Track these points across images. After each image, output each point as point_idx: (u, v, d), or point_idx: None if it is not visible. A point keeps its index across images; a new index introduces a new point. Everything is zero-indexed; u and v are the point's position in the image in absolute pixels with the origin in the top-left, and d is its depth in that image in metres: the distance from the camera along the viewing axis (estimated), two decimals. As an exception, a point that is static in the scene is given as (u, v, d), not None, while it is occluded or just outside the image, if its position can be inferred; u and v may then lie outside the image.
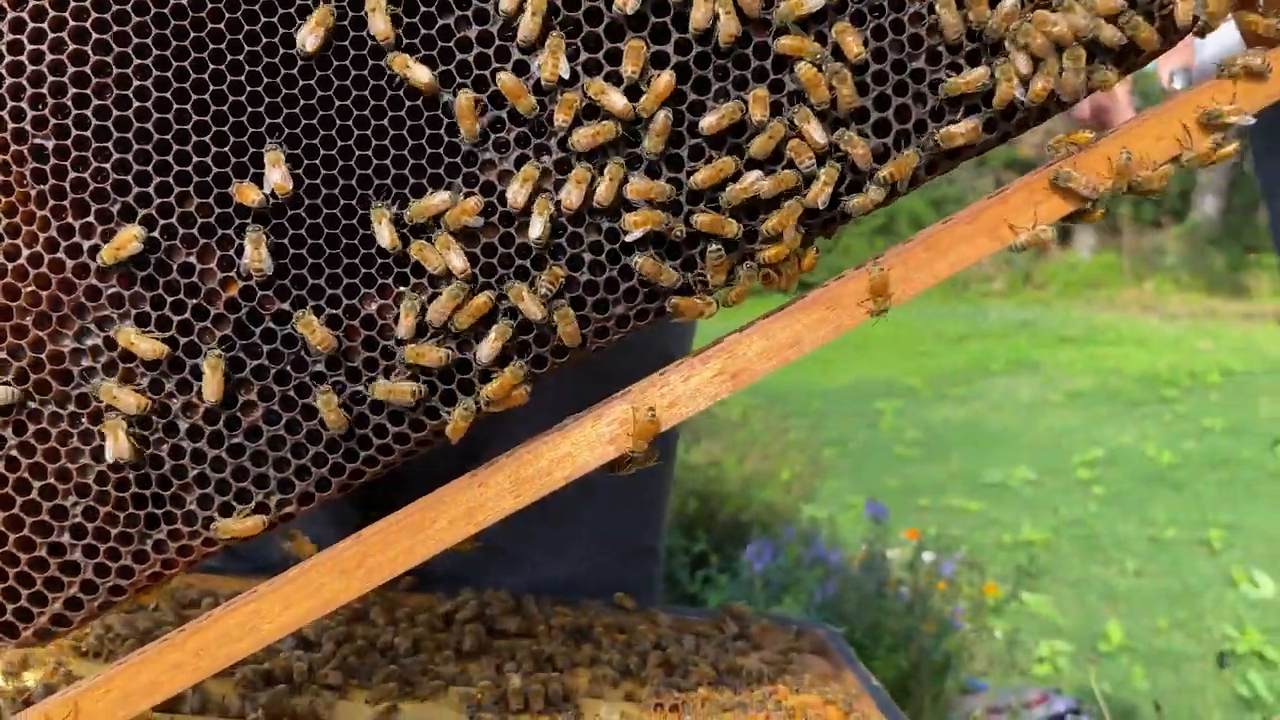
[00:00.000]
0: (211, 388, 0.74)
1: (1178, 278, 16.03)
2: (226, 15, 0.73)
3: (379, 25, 0.73)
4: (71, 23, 0.71)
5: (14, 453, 0.75)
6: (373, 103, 0.75)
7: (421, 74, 0.73)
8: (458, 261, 0.75)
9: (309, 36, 0.72)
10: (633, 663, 1.16)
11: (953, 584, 3.69)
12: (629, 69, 0.74)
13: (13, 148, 0.72)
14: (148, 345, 0.74)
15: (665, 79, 0.73)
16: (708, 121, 0.75)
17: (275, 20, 0.74)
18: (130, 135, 0.73)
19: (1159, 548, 7.31)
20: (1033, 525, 7.66)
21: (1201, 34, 0.77)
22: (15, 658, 1.02)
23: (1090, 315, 14.31)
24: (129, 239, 0.73)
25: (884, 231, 14.03)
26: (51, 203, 0.72)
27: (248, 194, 0.73)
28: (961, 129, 0.75)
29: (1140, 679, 5.40)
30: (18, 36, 0.71)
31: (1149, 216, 18.36)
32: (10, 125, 0.71)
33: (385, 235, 0.74)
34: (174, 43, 0.73)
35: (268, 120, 0.74)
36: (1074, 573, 6.94)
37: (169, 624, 1.09)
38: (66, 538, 0.76)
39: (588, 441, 0.77)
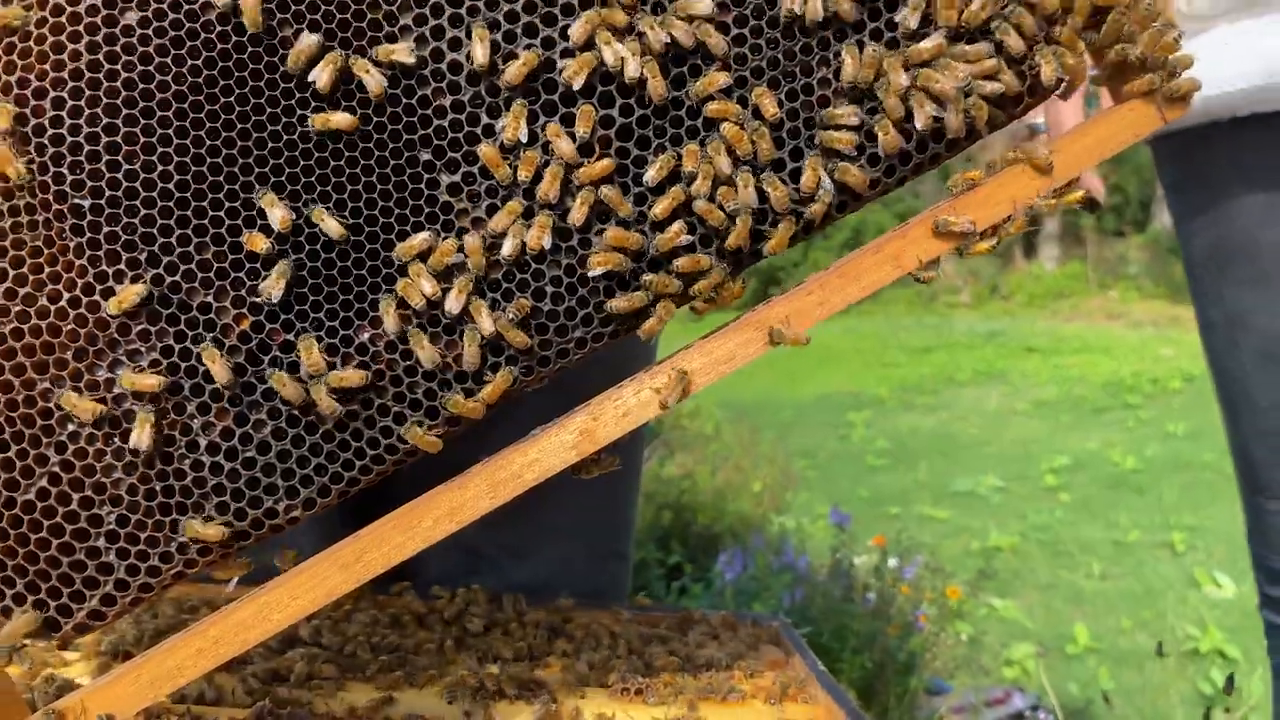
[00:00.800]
0: (218, 372, 0.86)
1: (1141, 286, 16.36)
2: (236, 91, 0.86)
3: (373, 84, 0.86)
4: (105, 100, 0.84)
5: (56, 469, 0.87)
6: (362, 161, 0.88)
7: (342, 119, 0.86)
8: (428, 287, 0.88)
9: (321, 73, 0.85)
10: (602, 653, 1.29)
11: (917, 588, 3.83)
12: (581, 130, 0.87)
13: (54, 207, 0.84)
14: (152, 380, 0.86)
15: (602, 164, 0.86)
16: (650, 174, 0.89)
17: (278, 94, 0.87)
18: (154, 194, 0.86)
19: (1123, 551, 7.47)
20: (1000, 531, 7.80)
21: (1064, 95, 0.91)
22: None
23: (1056, 325, 14.61)
24: (132, 293, 0.85)
25: (851, 245, 14.27)
26: (88, 253, 0.84)
27: (257, 242, 0.86)
28: (855, 170, 0.89)
29: (1105, 678, 5.54)
30: (59, 112, 0.83)
31: (1112, 226, 18.72)
32: (53, 188, 0.84)
33: (332, 227, 0.86)
34: (191, 114, 0.86)
35: (272, 179, 0.87)
36: (1042, 577, 7.09)
37: (173, 629, 1.21)
38: (102, 542, 0.88)
39: (553, 448, 0.90)
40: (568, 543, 1.57)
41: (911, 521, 8.04)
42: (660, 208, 0.89)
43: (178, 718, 1.02)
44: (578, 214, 0.87)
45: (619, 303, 0.90)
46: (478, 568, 1.48)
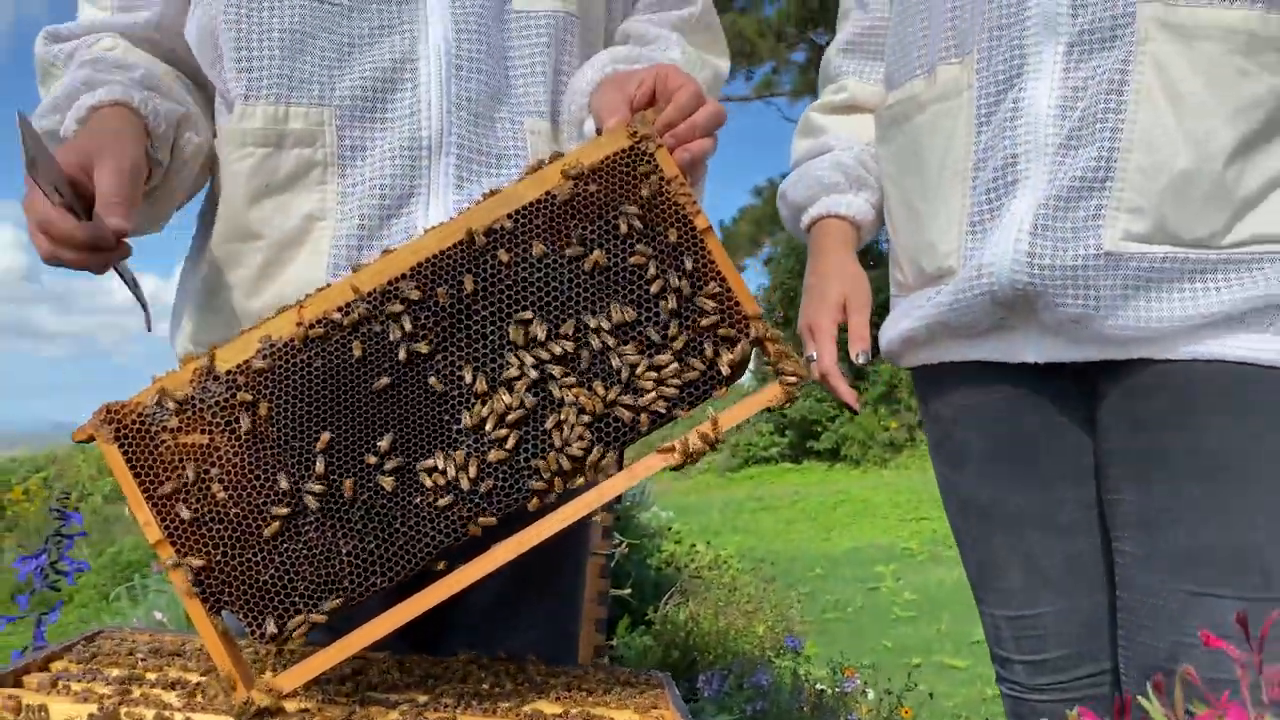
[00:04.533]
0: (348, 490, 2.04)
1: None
2: (360, 384, 2.06)
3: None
4: (299, 401, 2.05)
5: (286, 559, 2.03)
6: (420, 415, 2.06)
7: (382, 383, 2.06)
8: (429, 483, 2.05)
9: (401, 350, 2.05)
10: (550, 681, 2.40)
11: (876, 711, 4.79)
12: (517, 413, 2.05)
13: (274, 444, 2.04)
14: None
15: (512, 438, 2.04)
16: (547, 425, 2.06)
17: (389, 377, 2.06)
18: (304, 441, 2.04)
19: (1129, 693, 8.21)
20: (1012, 677, 8.55)
21: (737, 376, 2.07)
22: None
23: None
24: (317, 487, 2.04)
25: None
26: (284, 460, 2.04)
27: (369, 459, 2.04)
28: (626, 412, 2.05)
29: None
30: (279, 409, 2.04)
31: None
32: (272, 436, 2.03)
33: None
34: (339, 398, 2.06)
35: (376, 423, 2.05)
36: (1048, 718, 7.85)
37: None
38: (302, 591, 2.03)
39: (504, 550, 2.04)
40: (541, 625, 2.69)
41: (931, 670, 8.88)
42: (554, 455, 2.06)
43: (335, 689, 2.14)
44: (494, 455, 2.05)
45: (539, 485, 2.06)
46: (482, 643, 2.61)
